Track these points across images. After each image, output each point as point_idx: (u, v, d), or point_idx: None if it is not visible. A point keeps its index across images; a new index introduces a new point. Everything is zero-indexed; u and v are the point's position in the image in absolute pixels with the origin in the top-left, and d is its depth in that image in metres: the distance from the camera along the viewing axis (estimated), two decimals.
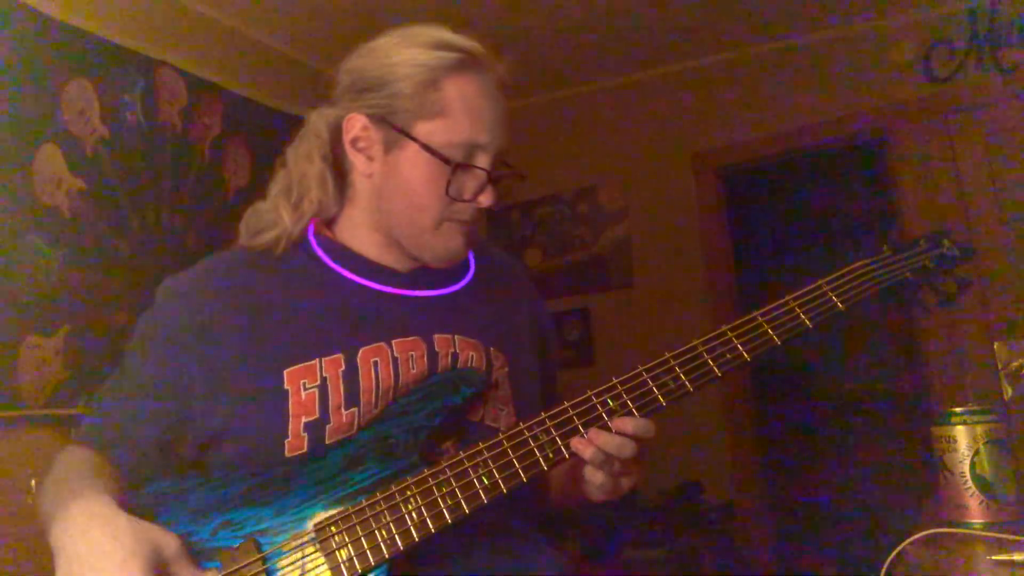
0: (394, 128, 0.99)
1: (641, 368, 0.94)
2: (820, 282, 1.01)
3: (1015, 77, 2.95)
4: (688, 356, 0.95)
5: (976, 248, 1.11)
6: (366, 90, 1.01)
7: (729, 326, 0.97)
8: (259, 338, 0.98)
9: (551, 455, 0.89)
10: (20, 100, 2.10)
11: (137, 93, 2.43)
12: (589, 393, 0.92)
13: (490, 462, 0.88)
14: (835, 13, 3.16)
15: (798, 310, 0.98)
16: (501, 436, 0.90)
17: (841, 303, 1.00)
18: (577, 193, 3.70)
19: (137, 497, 0.91)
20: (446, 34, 1.01)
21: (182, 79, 2.59)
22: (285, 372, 0.95)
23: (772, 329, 0.97)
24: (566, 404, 0.92)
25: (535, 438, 0.89)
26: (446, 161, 0.97)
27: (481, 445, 0.89)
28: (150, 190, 2.43)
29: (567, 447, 0.90)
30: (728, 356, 0.95)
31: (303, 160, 1.06)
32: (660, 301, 3.47)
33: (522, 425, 0.91)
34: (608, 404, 0.91)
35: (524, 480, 0.88)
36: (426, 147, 0.98)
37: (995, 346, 1.10)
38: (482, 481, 0.87)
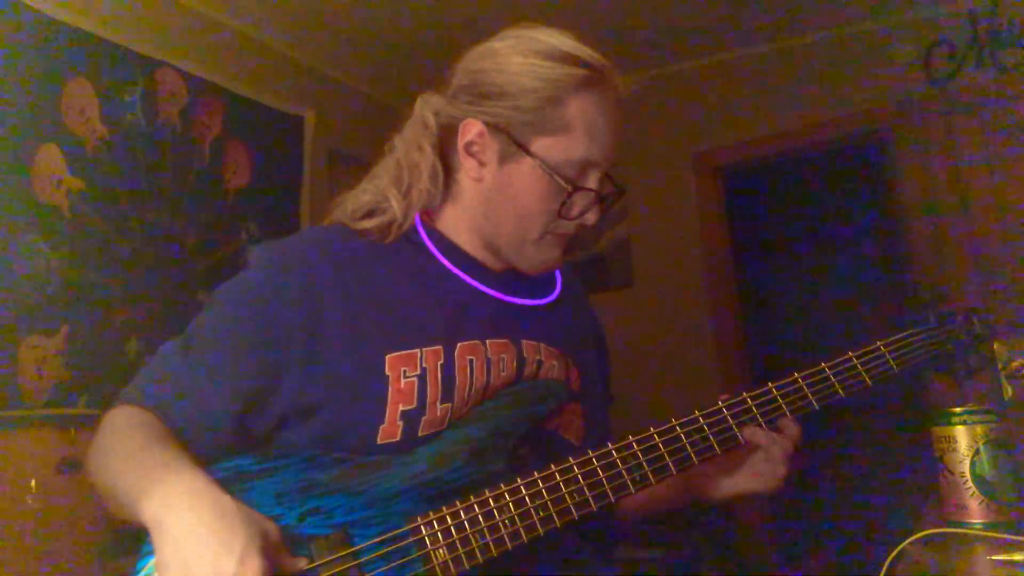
0: (513, 141, 0.97)
1: (722, 404, 0.99)
2: (879, 343, 1.09)
3: (1015, 77, 2.95)
4: (764, 399, 1.00)
5: (993, 330, 1.16)
6: (485, 96, 0.99)
7: (801, 374, 1.03)
8: (364, 317, 0.94)
9: (639, 478, 0.93)
10: (20, 100, 2.10)
11: (137, 93, 2.43)
12: (674, 423, 0.96)
13: (580, 479, 0.91)
14: (835, 13, 3.16)
15: (860, 367, 1.06)
16: (591, 455, 0.92)
17: (896, 366, 1.07)
18: None
19: (211, 473, 0.85)
20: (569, 44, 0.99)
21: (182, 79, 2.59)
22: (387, 357, 0.92)
23: (838, 382, 1.04)
24: (652, 431, 0.95)
25: (624, 460, 0.93)
26: (565, 182, 0.97)
27: (572, 461, 0.91)
28: (150, 190, 2.44)
29: (657, 472, 0.94)
30: (798, 403, 1.02)
31: (414, 149, 1.05)
32: (660, 301, 3.47)
33: (611, 446, 0.94)
34: (694, 436, 0.96)
35: (612, 500, 0.91)
36: (545, 166, 0.96)
37: (995, 346, 1.10)
38: (573, 496, 0.90)
